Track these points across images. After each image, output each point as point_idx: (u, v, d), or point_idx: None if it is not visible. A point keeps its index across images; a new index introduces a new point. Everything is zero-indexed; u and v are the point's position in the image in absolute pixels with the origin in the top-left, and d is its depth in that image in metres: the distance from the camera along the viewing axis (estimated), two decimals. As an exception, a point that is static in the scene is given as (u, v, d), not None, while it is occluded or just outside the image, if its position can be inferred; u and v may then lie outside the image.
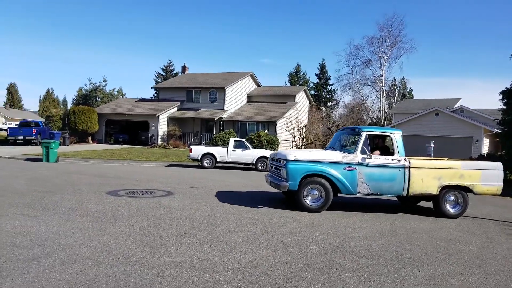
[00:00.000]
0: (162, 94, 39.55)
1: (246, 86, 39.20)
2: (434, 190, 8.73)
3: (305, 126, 33.21)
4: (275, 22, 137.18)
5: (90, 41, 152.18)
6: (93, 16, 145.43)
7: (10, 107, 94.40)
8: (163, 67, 68.26)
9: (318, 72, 67.02)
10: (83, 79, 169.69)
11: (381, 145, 9.36)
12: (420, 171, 8.71)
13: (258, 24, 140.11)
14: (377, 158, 8.67)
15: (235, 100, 36.66)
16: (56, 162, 18.47)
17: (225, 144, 26.49)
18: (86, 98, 55.81)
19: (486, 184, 8.81)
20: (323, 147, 32.95)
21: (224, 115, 34.36)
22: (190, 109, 35.82)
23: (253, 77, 40.53)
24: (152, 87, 72.33)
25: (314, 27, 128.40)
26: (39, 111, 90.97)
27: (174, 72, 65.44)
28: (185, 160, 21.49)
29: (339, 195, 8.93)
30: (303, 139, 31.49)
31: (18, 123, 37.86)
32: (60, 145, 21.08)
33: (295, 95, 38.10)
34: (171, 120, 34.69)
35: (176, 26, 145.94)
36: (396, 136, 8.87)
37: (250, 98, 39.35)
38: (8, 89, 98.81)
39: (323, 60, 71.08)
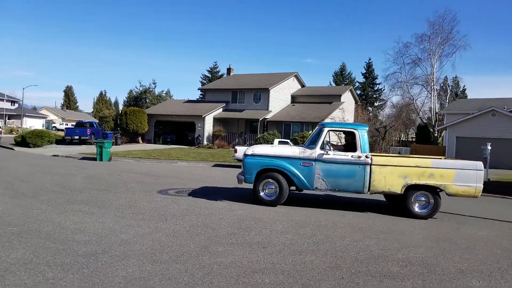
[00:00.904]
0: (208, 96, 40.33)
1: (290, 86, 39.03)
2: (398, 189, 8.32)
3: (351, 127, 32.51)
4: (319, 21, 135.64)
5: (140, 45, 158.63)
6: (144, 20, 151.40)
7: (66, 108, 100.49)
8: (209, 69, 69.65)
9: (364, 71, 65.49)
10: (134, 81, 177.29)
11: (350, 141, 8.96)
12: (382, 169, 8.37)
13: (302, 24, 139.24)
14: (335, 154, 8.52)
15: (279, 101, 36.62)
16: (109, 161, 19.36)
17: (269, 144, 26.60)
18: (137, 100, 58.12)
19: (461, 185, 8.16)
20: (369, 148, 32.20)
21: (268, 116, 34.42)
22: (234, 110, 36.24)
23: (297, 78, 40.29)
24: (198, 89, 74.04)
25: (359, 26, 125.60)
26: (93, 112, 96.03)
27: (219, 74, 66.55)
28: (230, 160, 21.74)
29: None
30: (349, 140, 30.82)
31: (74, 123, 40.18)
32: (112, 145, 22.07)
33: (340, 95, 37.39)
34: (217, 120, 35.27)
35: (222, 29, 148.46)
36: (360, 132, 8.55)
37: (294, 99, 39.14)
38: (65, 91, 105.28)
39: (370, 59, 69.45)
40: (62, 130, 55.05)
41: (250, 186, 9.15)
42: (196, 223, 6.70)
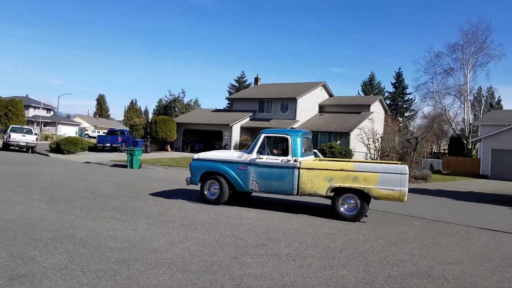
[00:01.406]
0: (235, 105, 40.66)
1: (318, 96, 38.80)
2: (323, 191, 8.61)
3: (381, 137, 31.88)
4: (348, 31, 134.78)
5: (170, 54, 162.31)
6: (173, 31, 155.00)
7: (99, 116, 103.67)
8: (236, 79, 70.34)
9: (394, 80, 64.43)
10: (163, 90, 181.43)
11: (285, 146, 9.42)
12: (310, 172, 8.74)
13: (329, 33, 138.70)
14: (268, 158, 9.11)
15: (306, 110, 36.45)
16: (139, 168, 19.76)
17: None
18: (166, 109, 59.31)
19: (385, 188, 8.15)
20: (400, 159, 31.37)
21: (295, 125, 34.28)
22: (261, 119, 36.34)
23: (325, 87, 40.02)
24: (226, 98, 74.85)
25: (388, 35, 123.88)
26: (124, 120, 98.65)
27: (247, 83, 67.07)
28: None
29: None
30: (378, 150, 30.23)
31: (106, 131, 41.32)
32: (142, 153, 22.54)
33: (369, 105, 36.84)
34: (244, 130, 35.45)
35: (249, 38, 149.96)
36: (292, 138, 9.12)
37: (322, 108, 38.86)
38: (97, 99, 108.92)
39: (400, 69, 68.22)
40: (94, 137, 56.73)
41: (279, 196, 9.10)
42: (225, 233, 6.70)
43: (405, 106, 64.11)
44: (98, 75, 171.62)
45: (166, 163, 22.94)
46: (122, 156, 24.78)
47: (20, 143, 27.08)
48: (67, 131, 70.59)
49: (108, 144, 31.27)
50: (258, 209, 9.40)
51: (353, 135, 30.96)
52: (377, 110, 37.95)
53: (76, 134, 69.09)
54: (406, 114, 63.15)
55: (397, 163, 9.18)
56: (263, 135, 9.44)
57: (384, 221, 8.86)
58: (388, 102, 59.84)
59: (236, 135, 34.87)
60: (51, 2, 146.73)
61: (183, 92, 63.89)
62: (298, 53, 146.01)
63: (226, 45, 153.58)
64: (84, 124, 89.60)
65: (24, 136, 27.42)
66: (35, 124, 69.31)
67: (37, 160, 21.29)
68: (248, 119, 36.52)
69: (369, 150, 30.29)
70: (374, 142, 30.42)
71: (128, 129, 44.88)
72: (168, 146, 35.91)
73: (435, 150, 44.93)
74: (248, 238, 6.47)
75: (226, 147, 34.26)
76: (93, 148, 31.91)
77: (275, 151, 9.49)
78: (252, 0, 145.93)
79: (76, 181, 12.83)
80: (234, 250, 5.67)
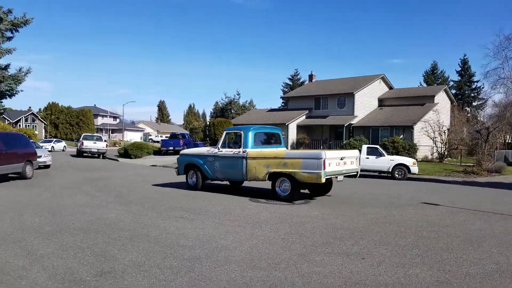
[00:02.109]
0: (290, 103, 40.57)
1: (376, 89, 37.49)
2: (264, 177, 10.18)
3: (448, 129, 30.09)
4: (406, 20, 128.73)
5: (224, 58, 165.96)
6: (225, 33, 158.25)
7: (160, 121, 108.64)
8: (290, 77, 70.14)
9: (459, 68, 60.53)
10: (219, 93, 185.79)
11: (240, 140, 11.04)
12: (254, 161, 10.37)
13: (387, 23, 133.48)
14: (226, 151, 11.05)
15: (365, 105, 35.38)
16: (201, 170, 20.40)
17: (356, 151, 25.96)
18: (223, 111, 60.67)
19: (306, 172, 9.37)
20: (469, 152, 29.40)
21: (354, 121, 33.44)
22: (318, 116, 35.91)
23: (384, 80, 38.56)
24: (280, 97, 74.91)
25: (451, 21, 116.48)
26: (183, 124, 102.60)
27: (300, 81, 66.62)
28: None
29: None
30: (445, 144, 28.56)
31: (168, 135, 43.21)
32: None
33: (433, 96, 34.86)
34: (300, 128, 35.26)
35: (301, 35, 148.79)
36: (244, 133, 10.88)
37: (381, 102, 37.49)
38: (158, 106, 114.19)
39: (465, 55, 63.96)
40: (157, 141, 59.63)
41: (338, 194, 8.94)
42: (290, 231, 6.73)
43: (472, 95, 59.90)
44: (158, 83, 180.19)
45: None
46: (184, 159, 25.72)
47: (92, 150, 29.24)
48: (132, 136, 74.91)
49: (171, 148, 32.74)
50: (323, 208, 9.32)
51: (417, 128, 29.48)
52: (442, 100, 35.85)
53: (141, 139, 73.08)
54: (474, 104, 58.95)
55: (318, 150, 12.69)
56: (225, 132, 11.58)
57: (457, 219, 8.37)
58: (453, 91, 56.25)
59: (292, 134, 34.79)
60: (119, 17, 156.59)
61: (238, 94, 64.99)
62: (354, 46, 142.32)
63: (278, 44, 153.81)
64: (148, 130, 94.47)
65: (95, 143, 29.57)
66: (103, 131, 74.42)
67: (109, 165, 22.80)
68: (304, 117, 36.27)
69: (435, 144, 28.79)
70: (440, 134, 28.83)
71: (188, 132, 46.58)
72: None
73: (509, 141, 41.43)
74: (313, 236, 6.44)
75: (283, 146, 34.32)
76: (157, 152, 33.56)
77: (233, 145, 11.23)
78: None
79: (145, 184, 13.58)
80: (301, 248, 5.68)
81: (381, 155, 18.98)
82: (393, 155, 21.76)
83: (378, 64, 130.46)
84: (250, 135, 10.79)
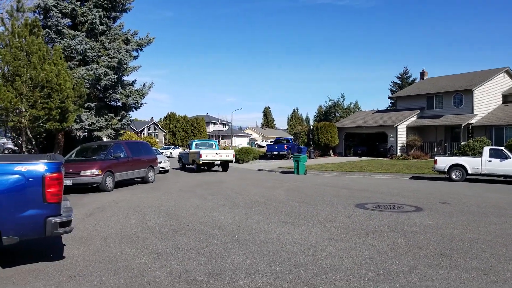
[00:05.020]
0: (399, 104, 38.24)
1: (500, 84, 33.17)
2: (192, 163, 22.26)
3: None
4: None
5: (328, 60, 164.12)
6: (329, 35, 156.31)
7: (265, 127, 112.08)
8: (398, 75, 66.07)
9: None
10: (323, 96, 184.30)
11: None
12: (191, 154, 22.04)
13: (508, 10, 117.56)
14: (190, 151, 22.93)
15: (486, 102, 31.57)
16: (304, 174, 20.49)
17: (476, 153, 23.34)
18: (326, 114, 59.91)
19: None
20: None
21: (473, 120, 30.09)
22: (431, 116, 33.17)
23: (508, 73, 33.91)
24: (388, 97, 71.07)
25: None
26: (287, 128, 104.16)
27: (410, 79, 62.32)
28: (429, 172, 19.90)
29: None
30: None
31: (273, 140, 44.32)
32: (306, 159, 23.31)
33: None
34: (410, 129, 33.00)
35: (409, 32, 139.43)
36: (193, 142, 23.44)
37: (506, 98, 33.01)
38: (263, 111, 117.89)
39: None
40: (263, 146, 61.57)
41: (460, 202, 8.07)
42: (400, 241, 6.35)
43: None
44: (263, 89, 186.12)
45: (330, 168, 23.15)
46: (288, 163, 26.12)
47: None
48: (240, 142, 78.79)
49: (275, 152, 33.50)
50: (437, 216, 8.60)
51: (553, 126, 25.28)
52: None
53: (247, 144, 76.38)
54: None
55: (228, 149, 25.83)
56: (194, 143, 23.16)
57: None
58: None
59: (402, 136, 32.73)
60: (229, 32, 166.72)
61: (343, 97, 63.22)
62: (468, 39, 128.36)
63: (385, 43, 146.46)
64: (254, 135, 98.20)
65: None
66: (214, 137, 79.63)
67: (219, 170, 24.26)
68: (415, 117, 33.86)
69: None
70: None
71: (292, 137, 47.10)
72: (331, 151, 36.18)
73: None
74: (427, 247, 5.98)
75: (391, 149, 32.50)
76: (262, 156, 34.64)
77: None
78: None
79: (252, 188, 14.14)
80: (412, 260, 5.32)
81: (507, 157, 16.71)
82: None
83: (499, 57, 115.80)
84: (194, 143, 22.87)
